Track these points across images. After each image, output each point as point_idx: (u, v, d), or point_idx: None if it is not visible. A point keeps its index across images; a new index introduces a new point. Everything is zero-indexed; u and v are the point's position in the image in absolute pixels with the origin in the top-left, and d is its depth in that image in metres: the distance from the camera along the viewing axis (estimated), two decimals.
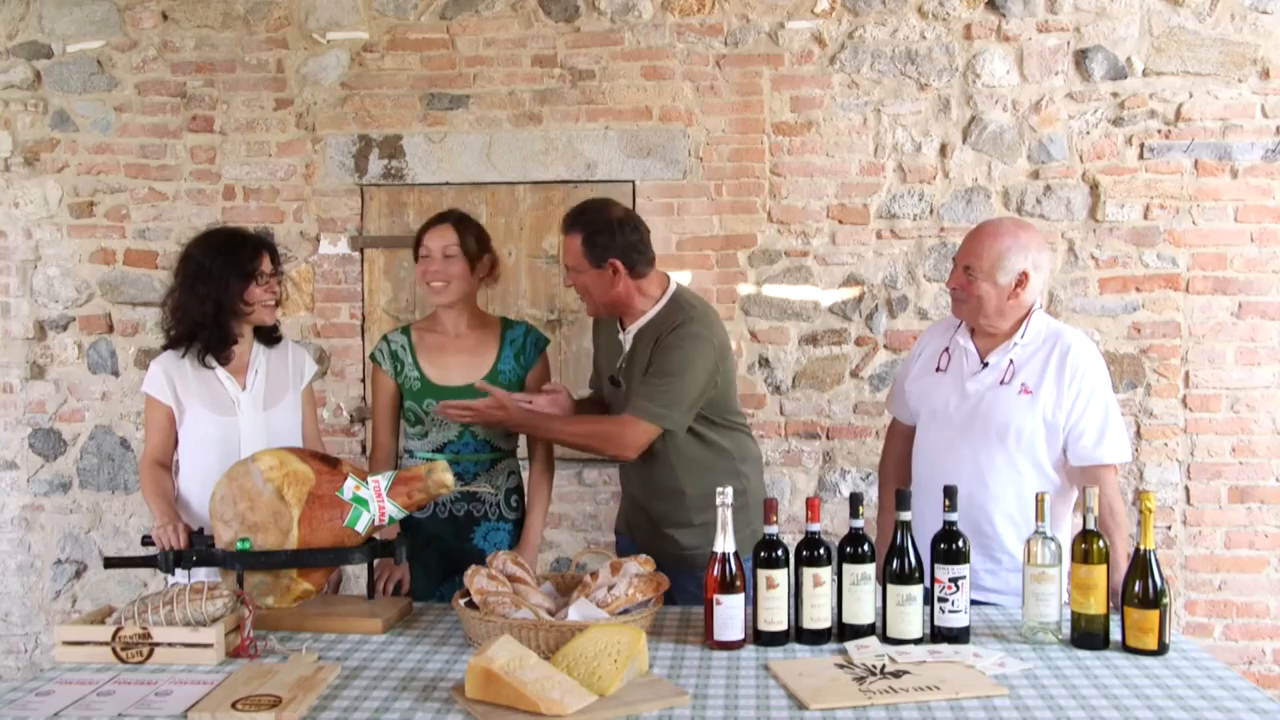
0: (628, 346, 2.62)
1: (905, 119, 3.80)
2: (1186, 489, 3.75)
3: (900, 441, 2.72)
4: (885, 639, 2.05)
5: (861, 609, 2.07)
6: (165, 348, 2.68)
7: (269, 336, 2.73)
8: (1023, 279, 2.37)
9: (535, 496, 2.78)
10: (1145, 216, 3.73)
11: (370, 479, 2.28)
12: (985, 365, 2.44)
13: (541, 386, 2.69)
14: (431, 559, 2.69)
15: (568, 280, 2.62)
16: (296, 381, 2.74)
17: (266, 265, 2.63)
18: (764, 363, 3.85)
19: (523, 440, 2.81)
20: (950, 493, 2.10)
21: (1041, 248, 2.42)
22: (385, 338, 2.77)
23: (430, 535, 2.69)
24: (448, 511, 2.70)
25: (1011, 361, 2.41)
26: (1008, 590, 2.36)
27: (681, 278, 3.77)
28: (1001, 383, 2.41)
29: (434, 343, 2.73)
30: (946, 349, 2.54)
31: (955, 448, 2.44)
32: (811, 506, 2.08)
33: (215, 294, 2.58)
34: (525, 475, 2.84)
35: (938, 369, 2.54)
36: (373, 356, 2.77)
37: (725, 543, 2.04)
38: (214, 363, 2.62)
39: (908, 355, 2.74)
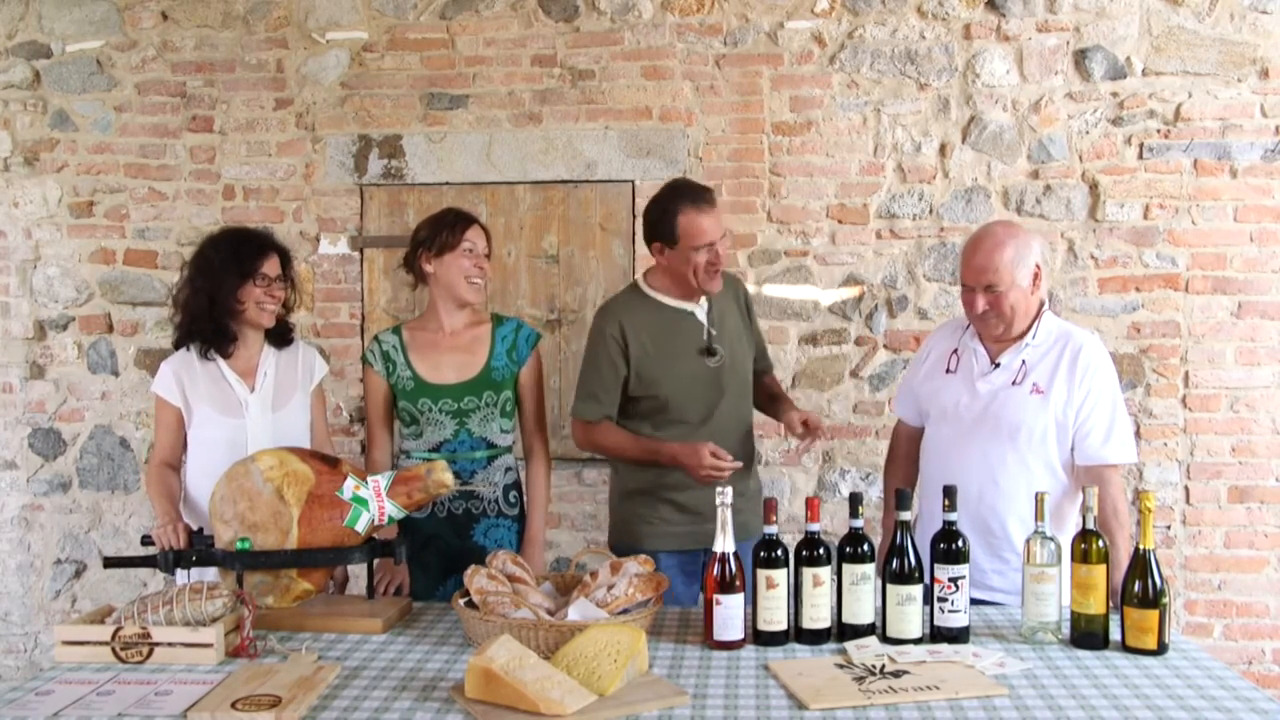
0: (704, 315, 2.70)
1: (905, 119, 3.80)
2: (1186, 489, 3.75)
3: (906, 442, 2.72)
4: (885, 639, 2.05)
5: (861, 609, 2.07)
6: (175, 345, 2.68)
7: (280, 338, 2.73)
8: (1037, 271, 2.39)
9: (534, 495, 2.78)
10: (1145, 216, 3.73)
11: (370, 479, 2.29)
12: (997, 366, 2.44)
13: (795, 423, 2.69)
14: (431, 558, 2.69)
15: (725, 246, 2.67)
16: (306, 382, 2.74)
17: (271, 268, 2.62)
18: None
19: (518, 437, 2.81)
20: (950, 493, 2.10)
21: (1034, 236, 2.46)
22: (376, 338, 2.76)
23: (430, 534, 2.69)
24: (446, 510, 2.70)
25: (1024, 362, 2.41)
26: (1016, 591, 2.34)
27: None
28: (1013, 383, 2.41)
29: (426, 341, 2.72)
30: (955, 350, 2.54)
31: (966, 448, 2.44)
32: (811, 506, 2.08)
33: (211, 288, 2.58)
34: (522, 473, 2.84)
35: (947, 370, 2.54)
36: (364, 358, 2.76)
37: (725, 543, 2.04)
38: (215, 356, 2.62)
39: (914, 357, 2.74)
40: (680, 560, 2.70)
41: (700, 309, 2.71)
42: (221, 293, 2.57)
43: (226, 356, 2.64)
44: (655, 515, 2.71)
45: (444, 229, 2.67)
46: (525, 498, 2.81)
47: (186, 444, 2.66)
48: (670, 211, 2.60)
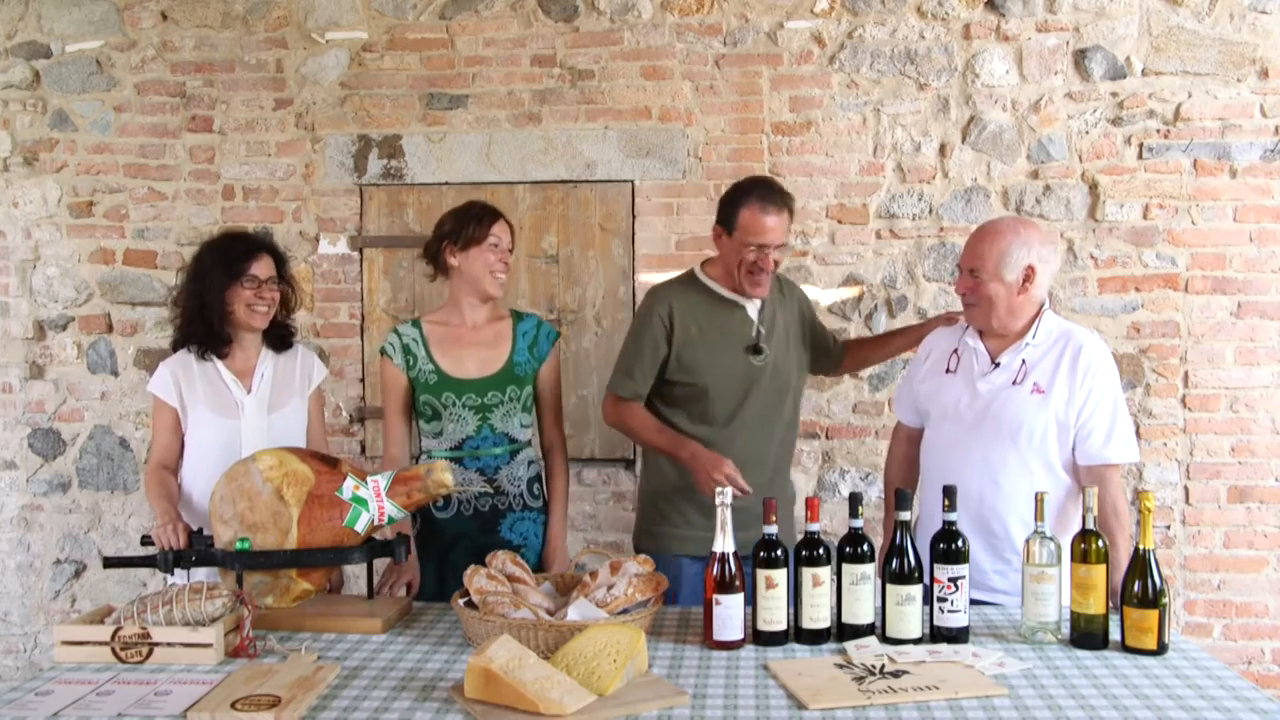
0: (755, 313, 2.71)
1: (905, 119, 3.80)
2: (1186, 489, 3.75)
3: (905, 443, 2.72)
4: (884, 639, 2.05)
5: (861, 609, 2.07)
6: (172, 347, 2.69)
7: (279, 341, 2.73)
8: (1029, 274, 2.38)
9: (555, 493, 2.79)
10: (1144, 216, 3.73)
11: (370, 479, 2.28)
12: (997, 366, 2.44)
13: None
14: (460, 557, 2.64)
15: (782, 256, 2.68)
16: (304, 386, 2.74)
17: (261, 270, 2.61)
18: None
19: (536, 431, 2.83)
20: (950, 492, 2.10)
21: (1044, 242, 2.42)
22: (395, 330, 2.74)
23: (458, 534, 2.69)
24: (473, 508, 2.70)
25: (1024, 362, 2.41)
26: (1018, 592, 2.32)
27: None
28: (1014, 383, 2.40)
29: (448, 335, 2.71)
30: (955, 350, 2.54)
31: (967, 448, 2.43)
32: (811, 506, 2.08)
33: (201, 290, 2.60)
34: (543, 466, 2.85)
35: (947, 370, 2.53)
36: (383, 350, 2.74)
37: (725, 543, 2.04)
38: (212, 357, 2.63)
39: (914, 357, 2.74)
40: (702, 566, 2.69)
41: (753, 305, 2.73)
42: (210, 295, 2.58)
43: (223, 358, 2.64)
44: (680, 517, 2.71)
45: (470, 222, 2.67)
46: (546, 493, 2.82)
47: (183, 446, 2.66)
48: (738, 201, 2.63)
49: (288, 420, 2.68)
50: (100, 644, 1.99)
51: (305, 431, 2.73)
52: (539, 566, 2.74)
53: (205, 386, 2.63)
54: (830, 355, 2.96)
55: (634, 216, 3.88)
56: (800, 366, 2.85)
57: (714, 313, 2.71)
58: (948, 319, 2.77)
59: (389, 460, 2.73)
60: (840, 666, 1.91)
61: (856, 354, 3.03)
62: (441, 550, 2.68)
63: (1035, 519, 2.08)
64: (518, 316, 2.79)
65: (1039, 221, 3.68)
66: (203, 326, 2.61)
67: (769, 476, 2.74)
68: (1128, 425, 2.39)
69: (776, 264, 2.66)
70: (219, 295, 2.58)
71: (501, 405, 2.68)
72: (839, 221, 3.83)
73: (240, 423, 2.62)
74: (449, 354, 2.69)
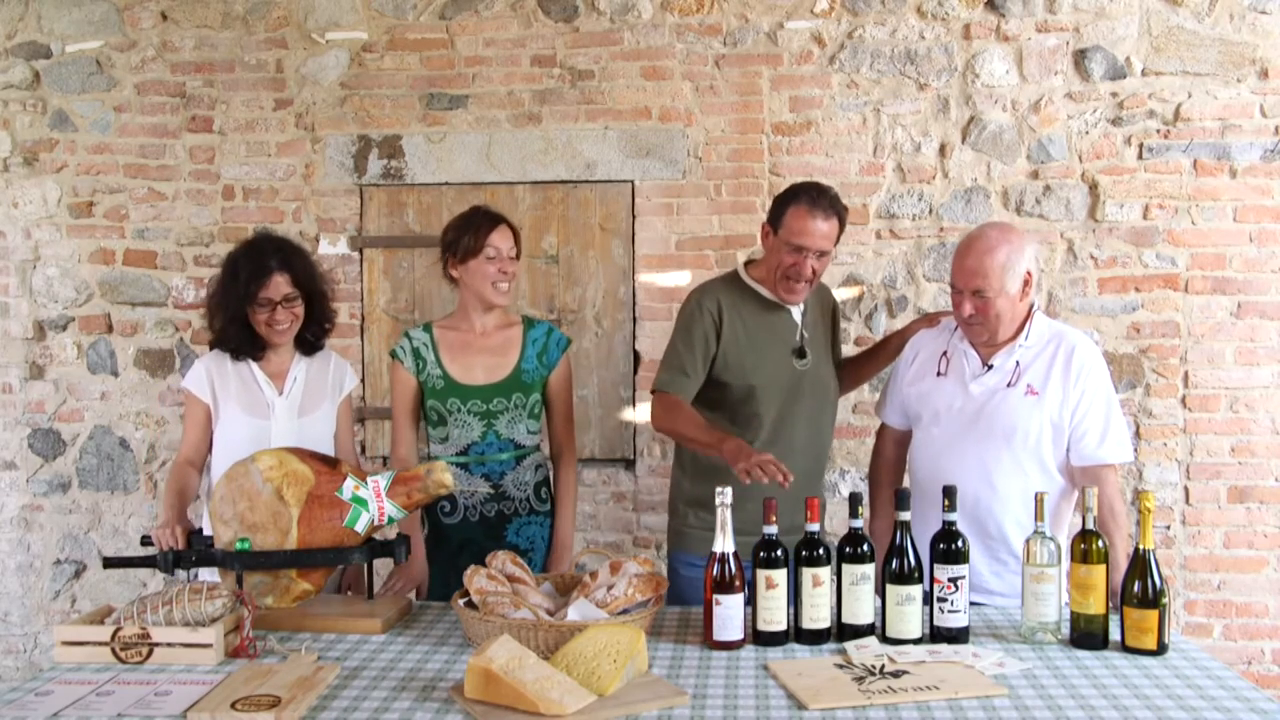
0: (799, 316, 2.69)
1: (904, 119, 3.80)
2: (1185, 489, 3.75)
3: (891, 445, 2.71)
4: (884, 639, 2.05)
5: (861, 609, 2.07)
6: (210, 346, 2.70)
7: (308, 345, 2.72)
8: (1028, 279, 2.38)
9: (562, 499, 2.78)
10: (1144, 216, 3.73)
11: (370, 479, 2.29)
12: (989, 368, 2.43)
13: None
14: (467, 562, 2.62)
15: (821, 265, 2.62)
16: (335, 393, 2.73)
17: (274, 291, 2.58)
18: None
19: (545, 435, 2.82)
20: (950, 492, 2.10)
21: (1029, 241, 2.43)
22: (407, 334, 2.74)
23: (464, 539, 2.68)
24: (479, 514, 2.70)
25: (1018, 364, 2.40)
26: (1014, 593, 2.33)
27: (681, 278, 3.78)
28: (1008, 385, 2.40)
29: (457, 341, 2.71)
30: (945, 353, 2.53)
31: (960, 450, 2.42)
32: (811, 506, 2.08)
33: (225, 306, 2.61)
34: (550, 470, 2.85)
35: (938, 373, 2.52)
36: (393, 353, 2.74)
37: (724, 543, 2.04)
38: (246, 358, 2.64)
39: (898, 359, 2.72)
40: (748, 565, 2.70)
41: (796, 308, 2.70)
42: (231, 313, 2.60)
43: (257, 360, 2.65)
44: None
45: (468, 233, 2.65)
46: (553, 499, 2.82)
47: (213, 443, 2.67)
48: (788, 200, 2.60)
49: (317, 425, 2.67)
50: (100, 644, 1.99)
51: (334, 438, 2.73)
52: (545, 570, 2.73)
53: (238, 385, 2.64)
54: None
55: (634, 216, 3.88)
56: (831, 370, 2.81)
57: (760, 314, 2.67)
58: (929, 320, 2.76)
59: (397, 463, 2.72)
60: (840, 666, 1.92)
61: (851, 374, 2.98)
62: (448, 555, 2.67)
63: (1035, 519, 2.08)
64: (529, 324, 2.78)
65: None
66: (230, 340, 2.62)
67: (803, 480, 2.62)
68: (1122, 426, 2.39)
69: (815, 274, 2.60)
70: (238, 314, 2.59)
71: (507, 412, 2.68)
72: None
73: (271, 423, 2.62)
74: (457, 360, 2.69)
